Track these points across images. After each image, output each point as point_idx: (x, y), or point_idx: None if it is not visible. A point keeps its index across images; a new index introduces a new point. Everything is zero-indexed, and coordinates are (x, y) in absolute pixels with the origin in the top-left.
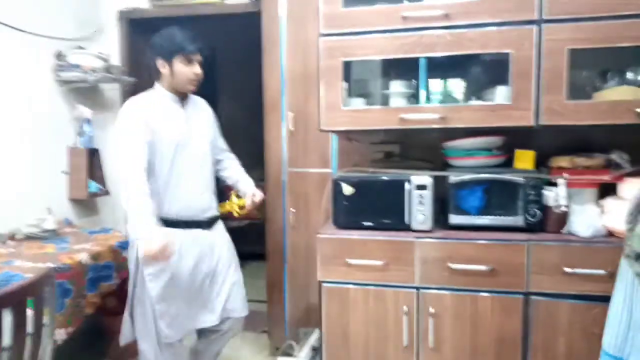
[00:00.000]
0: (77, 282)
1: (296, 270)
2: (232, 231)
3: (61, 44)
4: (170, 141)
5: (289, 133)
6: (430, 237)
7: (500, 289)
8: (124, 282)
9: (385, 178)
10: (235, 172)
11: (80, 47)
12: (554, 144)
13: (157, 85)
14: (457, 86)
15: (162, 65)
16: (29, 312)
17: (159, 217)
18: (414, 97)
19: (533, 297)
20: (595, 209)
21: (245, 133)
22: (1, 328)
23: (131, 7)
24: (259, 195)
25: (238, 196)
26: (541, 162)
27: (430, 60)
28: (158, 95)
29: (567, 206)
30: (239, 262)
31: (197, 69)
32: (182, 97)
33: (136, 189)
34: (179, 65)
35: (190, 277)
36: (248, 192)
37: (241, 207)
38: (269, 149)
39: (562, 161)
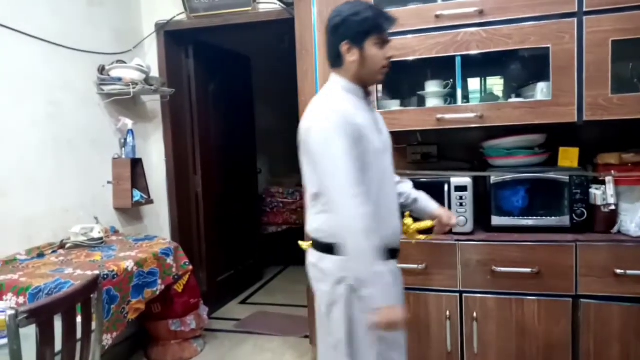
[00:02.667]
0: (122, 289)
1: None
2: (270, 236)
3: (103, 59)
4: (375, 150)
5: None
6: (472, 240)
7: (547, 292)
8: (167, 288)
9: (424, 180)
10: (409, 187)
11: (121, 61)
12: (599, 140)
13: (336, 77)
14: (495, 84)
15: (348, 51)
16: (78, 318)
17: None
18: (450, 97)
19: (582, 301)
20: None
21: (282, 140)
22: (53, 333)
23: (167, 18)
24: (453, 219)
25: (413, 217)
26: (587, 160)
27: (466, 58)
28: (342, 90)
29: (616, 205)
30: (281, 268)
31: (390, 53)
32: (366, 91)
33: (362, 215)
34: (373, 49)
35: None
36: (435, 212)
37: (423, 231)
38: None
39: (609, 158)
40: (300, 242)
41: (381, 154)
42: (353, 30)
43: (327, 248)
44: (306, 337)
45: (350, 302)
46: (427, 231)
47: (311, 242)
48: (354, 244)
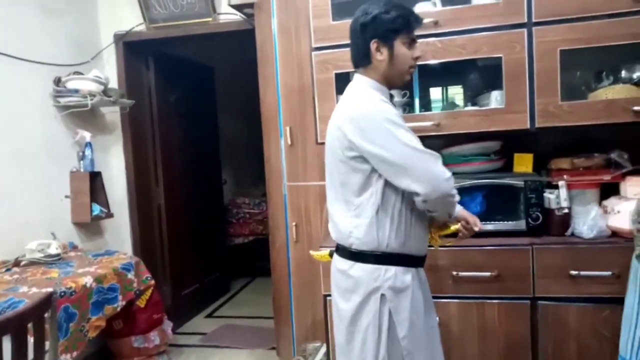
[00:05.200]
0: (81, 306)
1: (301, 285)
2: (237, 248)
3: (61, 70)
4: None
5: (287, 147)
6: (433, 246)
7: (506, 295)
8: (129, 304)
9: None
10: None
11: (78, 72)
12: (552, 146)
13: (361, 77)
14: (457, 93)
15: (377, 49)
16: (30, 339)
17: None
18: (409, 106)
19: (540, 302)
20: (598, 210)
21: (247, 149)
22: (2, 355)
23: (126, 29)
24: (478, 222)
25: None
26: (541, 165)
27: (425, 68)
28: (371, 88)
29: (569, 208)
30: (248, 279)
31: (417, 53)
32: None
33: (449, 175)
34: (402, 48)
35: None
36: (458, 214)
37: (446, 236)
38: (268, 163)
39: (562, 163)
40: (312, 252)
41: None
42: (383, 29)
43: (359, 255)
44: (273, 348)
45: (382, 314)
46: (451, 236)
47: (334, 248)
48: (445, 199)
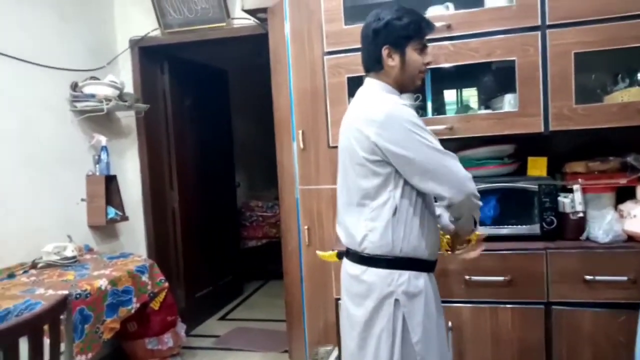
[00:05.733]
0: (96, 308)
1: (313, 288)
2: (250, 251)
3: (77, 75)
4: None
5: (299, 151)
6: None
7: (520, 300)
8: (143, 306)
9: None
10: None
11: (94, 78)
12: (567, 149)
13: (373, 81)
14: (472, 95)
15: (389, 55)
16: (46, 340)
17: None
18: (422, 110)
19: (554, 307)
20: (613, 214)
21: (260, 152)
22: (18, 357)
23: (142, 35)
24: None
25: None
26: (555, 169)
27: (439, 71)
28: (384, 92)
29: (584, 212)
30: (261, 282)
31: (428, 58)
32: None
33: (470, 177)
34: (413, 54)
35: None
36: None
37: (460, 243)
38: (281, 167)
39: (577, 166)
40: (319, 252)
41: None
42: (395, 35)
43: (372, 260)
44: (285, 351)
45: (396, 319)
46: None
47: (343, 252)
48: (470, 200)
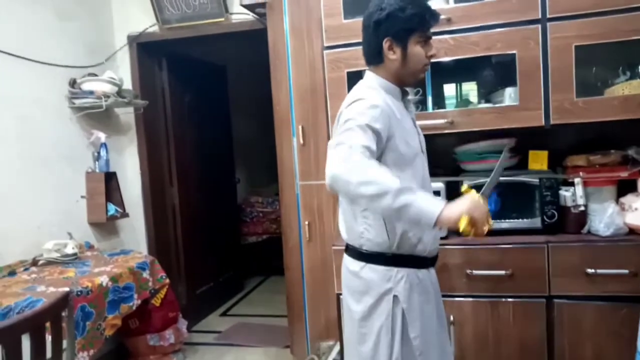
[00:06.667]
0: (98, 305)
1: (314, 284)
2: (250, 246)
3: (75, 72)
4: (412, 152)
5: (299, 146)
6: (447, 244)
7: (521, 294)
8: (144, 303)
9: None
10: None
11: (93, 74)
12: (568, 143)
13: (372, 75)
14: (472, 89)
15: (390, 48)
16: (48, 337)
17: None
18: (422, 104)
19: (556, 301)
20: (614, 207)
21: (260, 148)
22: (20, 354)
23: (140, 31)
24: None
25: None
26: (556, 162)
27: (438, 65)
28: (379, 88)
29: (585, 205)
30: (262, 278)
31: (432, 51)
32: (403, 91)
33: (378, 169)
34: (416, 47)
35: (440, 330)
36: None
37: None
38: (281, 163)
39: (578, 160)
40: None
41: (419, 157)
42: (397, 28)
43: (370, 257)
44: (287, 347)
45: (394, 316)
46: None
47: (347, 248)
48: (337, 184)
